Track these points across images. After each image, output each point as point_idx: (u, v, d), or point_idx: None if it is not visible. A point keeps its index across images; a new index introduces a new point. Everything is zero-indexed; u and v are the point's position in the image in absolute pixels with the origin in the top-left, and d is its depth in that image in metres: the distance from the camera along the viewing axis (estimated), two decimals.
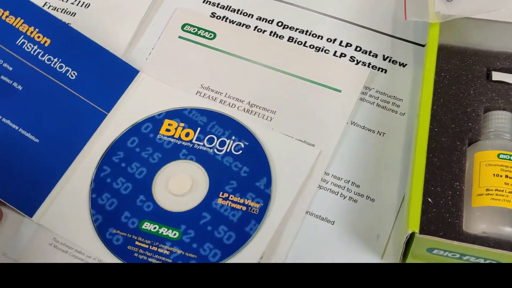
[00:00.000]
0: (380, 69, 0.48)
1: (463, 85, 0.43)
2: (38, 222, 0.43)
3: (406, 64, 0.48)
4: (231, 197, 0.43)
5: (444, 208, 0.38)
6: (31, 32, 0.47)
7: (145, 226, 0.42)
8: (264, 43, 0.49)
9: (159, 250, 0.41)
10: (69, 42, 0.47)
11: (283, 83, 0.47)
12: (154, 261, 0.41)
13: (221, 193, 0.43)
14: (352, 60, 0.48)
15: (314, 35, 0.50)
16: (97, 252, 0.42)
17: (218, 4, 0.52)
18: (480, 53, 0.44)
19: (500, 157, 0.38)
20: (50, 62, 0.46)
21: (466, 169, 0.39)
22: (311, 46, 0.49)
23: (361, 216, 0.42)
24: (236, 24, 0.50)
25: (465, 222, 0.37)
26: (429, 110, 0.40)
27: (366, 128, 0.45)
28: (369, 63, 0.48)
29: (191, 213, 0.42)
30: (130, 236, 0.42)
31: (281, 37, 0.50)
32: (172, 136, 0.45)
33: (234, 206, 0.42)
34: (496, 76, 0.43)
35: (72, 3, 0.52)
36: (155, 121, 0.46)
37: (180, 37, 0.50)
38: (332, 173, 0.43)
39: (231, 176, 0.43)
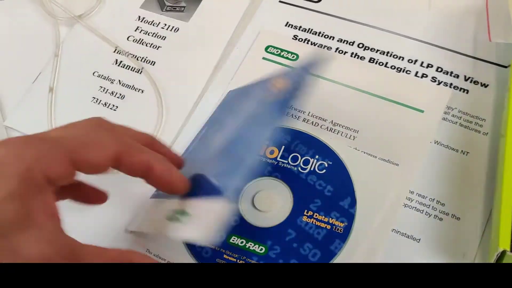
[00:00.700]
0: (462, 90, 0.48)
1: None
2: (131, 230, 0.44)
3: (488, 85, 0.48)
4: (316, 215, 0.44)
5: None
6: None
7: (233, 240, 0.44)
8: (346, 64, 0.51)
9: None
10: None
11: (366, 102, 0.48)
12: None
13: (305, 211, 0.44)
14: (433, 80, 0.49)
15: (395, 56, 0.51)
16: None
17: (300, 27, 0.53)
18: None
19: None
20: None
21: None
22: (393, 67, 0.50)
23: (446, 234, 0.42)
24: (318, 46, 0.52)
25: None
26: None
27: (449, 147, 0.46)
28: (451, 84, 0.49)
29: (276, 229, 0.44)
30: (219, 249, 0.43)
31: (362, 58, 0.51)
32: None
33: (318, 224, 0.43)
34: None
35: (162, 28, 0.55)
36: None
37: (264, 58, 0.51)
38: (416, 191, 0.44)
39: (315, 194, 0.44)
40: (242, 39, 0.53)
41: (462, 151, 0.45)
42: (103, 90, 0.52)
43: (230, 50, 0.53)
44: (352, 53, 0.51)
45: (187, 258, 0.43)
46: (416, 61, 0.50)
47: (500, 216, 0.37)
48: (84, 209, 0.41)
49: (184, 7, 0.56)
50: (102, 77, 0.53)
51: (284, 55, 0.51)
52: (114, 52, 0.54)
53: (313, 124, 0.48)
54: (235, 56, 0.52)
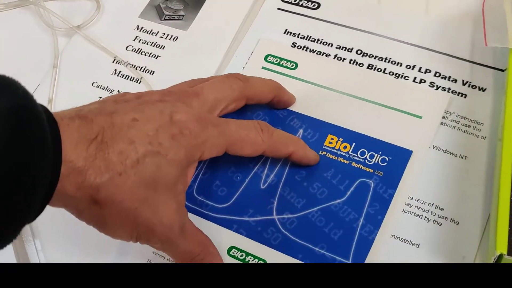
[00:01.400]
0: (460, 94, 0.48)
1: None
2: None
3: (485, 89, 0.48)
4: None
5: None
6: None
7: None
8: (344, 71, 0.51)
9: None
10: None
11: (364, 109, 0.48)
12: None
13: None
14: (432, 85, 0.49)
15: (393, 62, 0.51)
16: None
17: (298, 34, 0.54)
18: None
19: None
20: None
21: None
22: (391, 73, 0.50)
23: (445, 239, 0.42)
24: (317, 53, 0.52)
25: None
26: None
27: (448, 152, 0.46)
28: (449, 88, 0.49)
29: None
30: None
31: (360, 64, 0.51)
32: None
33: None
34: None
35: (161, 37, 0.55)
36: None
37: (263, 67, 0.52)
38: (416, 197, 0.44)
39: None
40: (241, 47, 0.54)
41: (460, 155, 0.46)
42: None
43: (230, 58, 0.53)
44: (351, 60, 0.51)
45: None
46: (414, 66, 0.50)
47: (497, 220, 0.37)
48: None
49: (182, 16, 0.56)
50: (101, 87, 0.53)
51: (284, 64, 0.52)
52: (113, 62, 0.54)
53: None
54: (234, 65, 0.53)
